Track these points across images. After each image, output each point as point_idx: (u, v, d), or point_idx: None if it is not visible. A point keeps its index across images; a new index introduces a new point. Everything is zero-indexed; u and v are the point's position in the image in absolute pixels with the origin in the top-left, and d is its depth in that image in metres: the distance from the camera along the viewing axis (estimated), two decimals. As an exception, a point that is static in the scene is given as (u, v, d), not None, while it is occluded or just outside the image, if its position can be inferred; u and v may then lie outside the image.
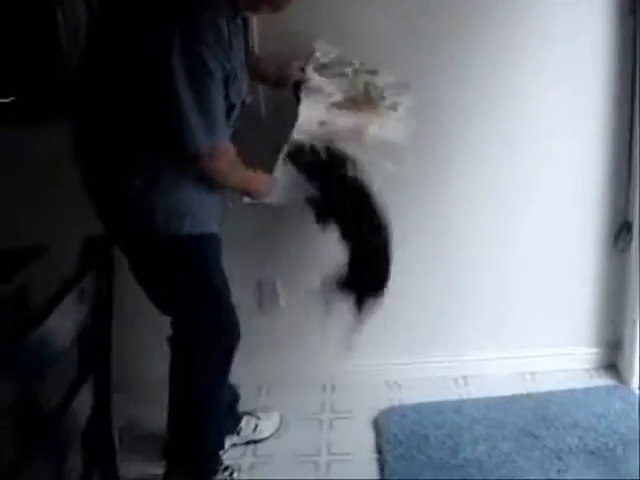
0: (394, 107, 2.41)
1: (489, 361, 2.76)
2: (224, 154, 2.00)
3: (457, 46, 2.54)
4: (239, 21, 2.07)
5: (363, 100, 2.41)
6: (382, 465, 2.39)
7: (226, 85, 1.95)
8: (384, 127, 2.36)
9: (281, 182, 2.20)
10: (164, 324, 2.21)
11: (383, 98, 2.42)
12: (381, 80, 2.43)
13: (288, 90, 2.43)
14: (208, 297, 2.18)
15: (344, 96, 2.41)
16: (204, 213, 2.10)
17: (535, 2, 2.51)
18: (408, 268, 2.70)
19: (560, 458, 2.34)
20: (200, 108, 1.87)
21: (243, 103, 2.12)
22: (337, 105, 2.39)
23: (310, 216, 2.61)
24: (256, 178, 2.14)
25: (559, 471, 2.28)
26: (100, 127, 2.02)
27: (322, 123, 2.33)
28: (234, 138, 2.08)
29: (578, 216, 2.75)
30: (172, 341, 2.22)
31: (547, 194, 2.71)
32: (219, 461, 2.34)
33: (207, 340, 2.19)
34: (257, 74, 2.37)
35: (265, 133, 2.49)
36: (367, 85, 2.42)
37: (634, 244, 2.67)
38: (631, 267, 2.70)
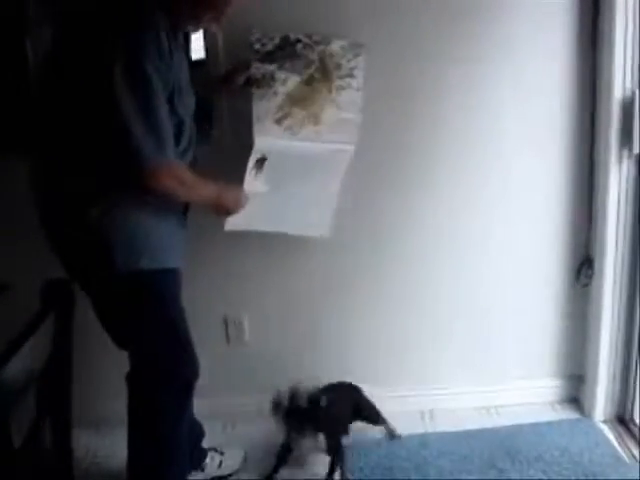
0: (351, 73, 2.41)
1: (455, 395, 2.77)
2: (170, 169, 1.94)
3: (429, 66, 2.57)
4: (180, 37, 2.05)
5: (319, 77, 2.40)
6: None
7: (171, 100, 1.93)
8: (339, 107, 2.40)
9: (255, 202, 2.21)
10: (125, 358, 2.18)
11: (339, 66, 2.40)
12: (335, 46, 2.41)
13: (236, 86, 2.39)
14: (166, 334, 2.14)
15: (300, 78, 2.39)
16: (163, 248, 2.07)
17: (503, 26, 2.56)
18: (376, 302, 2.73)
19: (524, 492, 2.35)
20: (146, 125, 1.84)
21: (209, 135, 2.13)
22: (291, 95, 2.38)
23: (276, 250, 2.66)
24: (219, 190, 2.12)
25: (523, 505, 2.29)
26: (53, 157, 2.00)
27: (278, 120, 2.36)
28: (194, 165, 2.09)
29: (541, 251, 2.78)
30: (130, 378, 2.18)
31: (511, 229, 2.75)
32: (182, 499, 2.30)
33: (163, 378, 2.15)
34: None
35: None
36: (321, 56, 2.40)
37: (596, 279, 2.71)
38: (593, 302, 2.75)
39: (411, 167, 2.66)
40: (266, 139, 2.33)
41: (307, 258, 2.72)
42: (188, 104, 2.06)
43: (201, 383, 2.25)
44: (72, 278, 1.96)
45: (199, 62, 2.48)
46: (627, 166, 2.53)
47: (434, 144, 2.64)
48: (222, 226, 2.51)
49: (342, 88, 2.41)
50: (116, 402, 2.22)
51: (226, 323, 2.83)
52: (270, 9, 2.43)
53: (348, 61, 2.40)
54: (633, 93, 2.45)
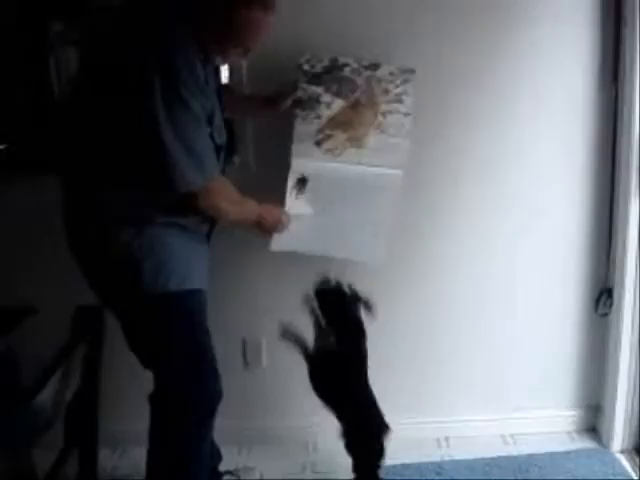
0: (399, 99, 2.39)
1: (471, 423, 2.77)
2: (219, 189, 2.03)
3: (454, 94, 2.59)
4: (212, 66, 2.09)
5: (365, 101, 2.39)
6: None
7: (210, 124, 1.99)
8: (384, 131, 2.39)
9: (300, 223, 2.27)
10: (149, 378, 2.17)
11: (386, 91, 2.39)
12: (383, 71, 2.39)
13: (281, 107, 2.39)
14: (192, 355, 2.15)
15: (345, 102, 2.38)
16: (190, 269, 2.10)
17: (528, 67, 2.58)
18: (394, 331, 2.72)
19: (541, 522, 2.34)
20: (187, 148, 1.89)
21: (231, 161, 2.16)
22: (335, 118, 2.38)
23: (296, 274, 2.66)
24: (259, 207, 2.18)
25: (540, 536, 2.28)
26: (85, 179, 2.03)
27: (319, 142, 2.37)
28: None
29: (561, 281, 2.79)
30: (153, 398, 2.18)
31: (531, 260, 2.75)
32: (199, 522, 2.30)
33: (188, 399, 2.16)
34: (240, 103, 2.44)
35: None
36: (369, 81, 2.39)
37: (615, 309, 2.71)
38: (612, 331, 2.74)
39: (429, 200, 2.68)
40: (304, 160, 2.36)
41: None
42: (221, 131, 2.10)
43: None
44: (100, 299, 1.99)
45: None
46: (647, 197, 2.54)
47: (454, 176, 2.65)
48: (241, 247, 2.55)
49: (389, 112, 2.39)
50: (135, 422, 2.23)
51: (244, 346, 2.84)
52: (319, 31, 2.46)
53: (396, 87, 2.39)
54: (654, 128, 2.46)
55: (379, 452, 2.39)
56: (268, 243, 2.33)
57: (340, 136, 2.39)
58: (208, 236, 2.24)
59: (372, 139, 2.40)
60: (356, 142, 2.39)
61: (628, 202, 2.55)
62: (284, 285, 2.72)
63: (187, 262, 2.09)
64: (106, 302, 2.04)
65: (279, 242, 2.31)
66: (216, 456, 2.51)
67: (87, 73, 2.04)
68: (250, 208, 2.17)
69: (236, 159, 2.53)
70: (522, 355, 2.82)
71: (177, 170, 1.90)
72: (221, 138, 2.10)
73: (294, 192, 2.34)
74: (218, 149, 2.07)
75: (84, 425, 1.31)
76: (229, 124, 2.30)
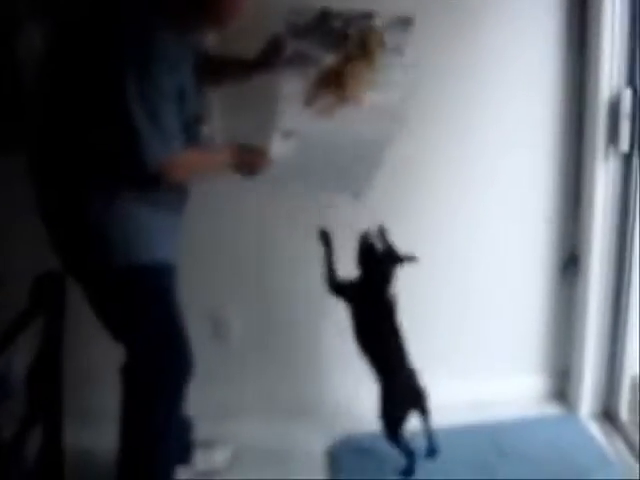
0: (399, 50, 2.16)
1: (440, 391, 2.77)
2: (183, 162, 2.02)
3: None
4: (187, 40, 2.06)
5: (359, 55, 2.17)
6: (336, 497, 2.39)
7: (182, 99, 1.97)
8: (381, 88, 2.17)
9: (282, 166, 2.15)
10: (119, 352, 2.17)
11: (383, 44, 2.17)
12: (379, 21, 2.17)
13: (272, 67, 2.22)
14: (163, 327, 2.15)
15: (337, 57, 2.18)
16: (161, 241, 2.09)
17: (489, 28, 2.57)
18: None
19: (512, 487, 2.37)
20: (153, 123, 1.88)
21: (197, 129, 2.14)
22: (326, 74, 2.18)
23: (266, 244, 2.66)
24: (229, 150, 2.14)
25: (511, 500, 2.31)
26: (54, 153, 2.01)
27: (308, 101, 2.18)
28: None
29: (528, 249, 2.81)
30: (125, 371, 2.18)
31: (497, 227, 2.76)
32: (171, 494, 2.31)
33: (160, 370, 2.16)
34: (226, 70, 2.35)
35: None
36: (362, 34, 2.18)
37: (581, 276, 2.73)
38: (579, 297, 2.77)
39: (401, 164, 2.66)
40: (294, 120, 2.19)
41: (299, 253, 2.71)
42: (196, 105, 2.09)
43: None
44: (68, 272, 1.97)
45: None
46: (613, 164, 2.56)
47: (423, 138, 2.63)
48: (209, 221, 2.53)
49: (385, 67, 2.17)
50: (106, 396, 2.22)
51: (214, 318, 2.83)
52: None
53: (393, 37, 2.17)
54: (620, 91, 2.47)
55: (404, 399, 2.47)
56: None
57: (332, 94, 2.20)
58: (180, 208, 2.22)
59: (370, 95, 2.18)
60: (352, 100, 2.19)
61: (595, 168, 2.56)
62: (255, 255, 2.72)
63: (157, 235, 2.08)
64: (75, 275, 2.03)
65: (264, 178, 2.16)
66: (188, 427, 2.51)
67: (56, 50, 2.01)
68: (219, 159, 2.15)
69: (205, 129, 2.48)
70: (490, 322, 2.84)
71: (142, 142, 1.88)
72: (196, 109, 2.09)
73: (278, 139, 2.18)
74: (193, 121, 2.06)
75: (47, 394, 1.30)
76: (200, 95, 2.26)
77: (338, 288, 2.45)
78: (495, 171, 2.70)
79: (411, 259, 2.36)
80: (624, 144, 2.49)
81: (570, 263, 2.79)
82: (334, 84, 2.19)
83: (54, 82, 1.98)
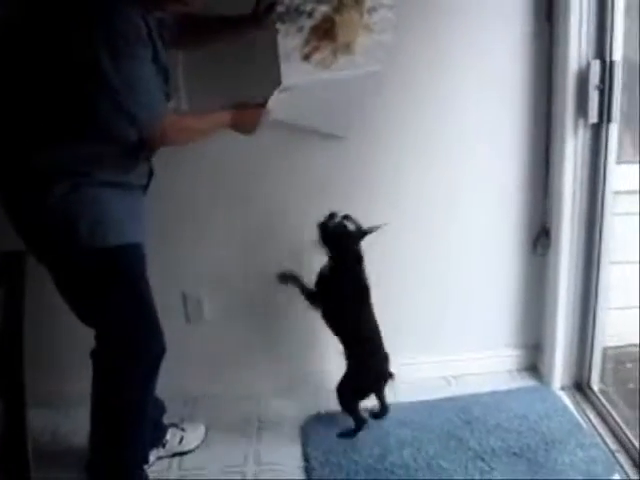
0: None
1: (413, 365, 2.79)
2: (173, 124, 1.99)
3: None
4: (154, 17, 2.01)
5: (348, 2, 2.23)
6: (309, 473, 2.38)
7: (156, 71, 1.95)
8: (373, 30, 2.27)
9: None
10: (87, 337, 2.14)
11: None
12: None
13: (262, 24, 2.22)
14: (134, 310, 2.13)
15: (328, 7, 2.22)
16: (129, 223, 2.06)
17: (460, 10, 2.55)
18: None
19: (483, 460, 2.38)
20: (138, 96, 1.87)
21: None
22: (320, 26, 2.22)
23: (238, 224, 2.63)
24: (229, 113, 2.11)
25: (482, 472, 2.32)
26: (18, 132, 1.96)
27: (307, 56, 2.23)
28: None
29: (499, 222, 2.81)
30: (95, 355, 2.16)
31: (467, 201, 2.76)
32: (143, 475, 2.30)
33: (132, 353, 2.14)
34: (203, 30, 2.31)
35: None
36: None
37: (552, 249, 2.74)
38: (549, 271, 2.78)
39: (374, 142, 2.65)
40: (295, 77, 2.23)
41: (272, 232, 2.71)
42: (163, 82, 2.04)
43: (161, 360, 2.24)
44: (34, 255, 1.93)
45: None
46: (582, 136, 2.55)
47: (398, 114, 2.63)
48: (180, 198, 2.52)
49: (374, 9, 2.26)
50: (77, 381, 2.19)
51: (185, 300, 2.81)
52: None
53: None
54: (588, 63, 2.46)
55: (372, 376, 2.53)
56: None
57: (328, 45, 2.26)
58: (145, 188, 2.20)
59: (361, 40, 2.27)
60: (345, 48, 2.27)
61: (564, 142, 2.56)
62: (225, 236, 2.70)
63: (124, 216, 2.05)
64: (41, 260, 2.00)
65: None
66: (160, 409, 2.50)
67: (17, 27, 1.94)
68: (215, 121, 2.12)
69: (170, 103, 2.44)
70: (461, 297, 2.85)
71: (131, 117, 1.89)
72: (167, 85, 2.05)
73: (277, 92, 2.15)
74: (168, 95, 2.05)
75: (8, 375, 1.27)
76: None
77: (314, 296, 2.48)
78: (465, 145, 2.69)
79: (376, 228, 2.37)
80: (593, 115, 2.49)
81: (541, 236, 2.79)
82: (328, 34, 2.23)
83: (16, 58, 1.92)
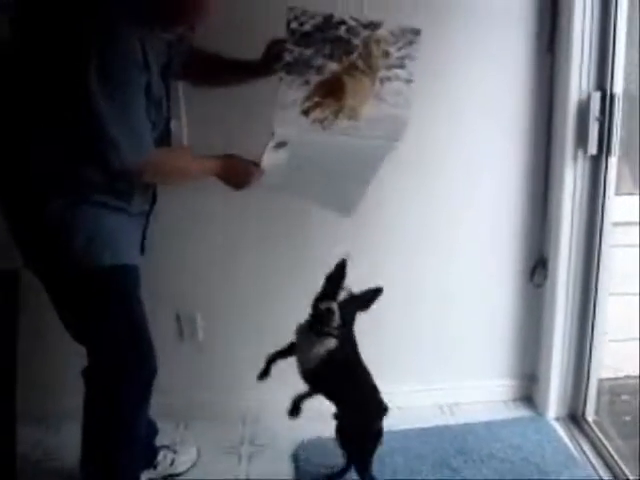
0: (401, 64, 2.09)
1: (408, 393, 2.78)
2: (159, 160, 1.98)
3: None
4: (156, 41, 1.98)
5: (362, 66, 2.08)
6: (301, 498, 2.37)
7: (147, 99, 1.91)
8: (383, 100, 2.11)
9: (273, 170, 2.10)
10: (80, 354, 2.13)
11: (387, 54, 2.08)
12: (384, 31, 2.07)
13: (269, 72, 2.15)
14: (125, 330, 2.11)
15: (339, 66, 2.07)
16: (124, 243, 2.05)
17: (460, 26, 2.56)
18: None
19: (476, 490, 2.37)
20: (123, 123, 1.84)
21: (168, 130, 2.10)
22: (326, 84, 2.08)
23: (233, 244, 2.63)
24: (221, 161, 2.07)
25: (475, 503, 2.31)
26: (16, 149, 1.96)
27: (306, 111, 2.09)
28: None
29: (496, 251, 2.81)
30: (87, 373, 2.15)
31: (465, 229, 2.76)
32: (134, 497, 2.27)
33: (122, 374, 2.12)
34: (212, 70, 2.28)
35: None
36: (367, 42, 2.07)
37: (549, 280, 2.74)
38: (546, 302, 2.78)
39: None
40: (288, 130, 2.09)
41: (266, 253, 2.71)
42: (160, 107, 2.03)
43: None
44: (29, 269, 1.93)
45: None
46: (582, 167, 2.56)
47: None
48: (175, 217, 2.50)
49: (388, 80, 2.10)
50: (68, 398, 2.18)
51: (179, 320, 2.80)
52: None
53: (398, 49, 2.09)
54: (589, 95, 2.48)
55: (377, 435, 2.32)
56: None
57: (331, 105, 2.11)
58: (148, 215, 2.20)
59: (368, 109, 2.12)
60: (349, 112, 2.12)
61: (563, 172, 2.57)
62: (219, 256, 2.69)
63: (120, 237, 2.04)
64: (36, 272, 2.01)
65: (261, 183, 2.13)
66: (152, 430, 2.49)
67: (19, 46, 1.93)
68: (202, 169, 2.08)
69: (172, 124, 2.41)
70: (458, 325, 2.84)
71: (114, 146, 1.84)
72: (158, 114, 2.02)
73: (271, 148, 2.10)
74: (152, 124, 1.98)
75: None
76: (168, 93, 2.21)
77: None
78: (464, 173, 2.70)
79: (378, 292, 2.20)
80: (592, 147, 2.50)
81: (538, 267, 2.79)
82: (333, 94, 2.11)
83: (16, 78, 1.92)
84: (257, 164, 2.09)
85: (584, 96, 2.49)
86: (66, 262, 1.98)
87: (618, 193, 2.68)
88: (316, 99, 2.10)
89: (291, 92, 2.07)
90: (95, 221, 1.97)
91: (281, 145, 2.11)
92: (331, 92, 2.10)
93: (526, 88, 2.63)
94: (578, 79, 2.48)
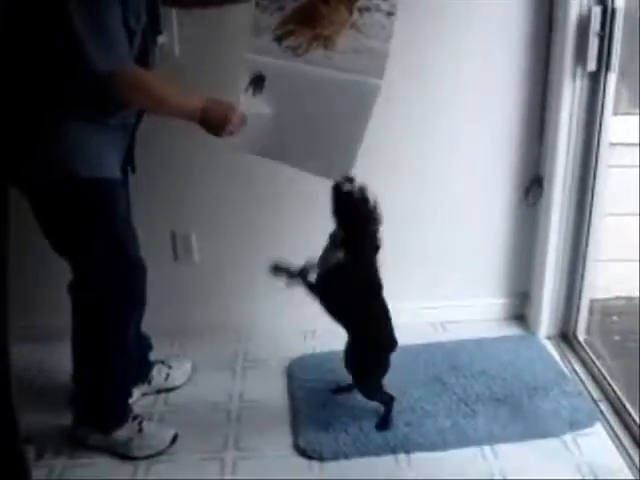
0: None
1: (401, 311, 2.78)
2: (132, 76, 1.90)
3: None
4: None
5: None
6: (294, 411, 2.41)
7: (123, 3, 1.84)
8: (361, 32, 2.02)
9: (260, 125, 2.05)
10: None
11: None
12: None
13: None
14: (107, 244, 2.09)
15: None
16: (106, 157, 2.03)
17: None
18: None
19: (467, 404, 2.40)
20: (96, 30, 1.79)
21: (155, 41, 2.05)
22: (301, 10, 2.02)
23: (227, 165, 2.60)
24: (201, 101, 1.98)
25: (465, 416, 2.35)
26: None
27: (279, 38, 2.03)
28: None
29: (491, 170, 2.79)
30: (72, 289, 2.15)
31: (461, 147, 2.74)
32: (127, 410, 2.30)
33: (105, 289, 2.12)
34: None
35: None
36: None
37: (544, 198, 2.73)
38: (540, 221, 2.77)
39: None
40: (261, 57, 2.05)
41: (261, 172, 2.65)
42: (139, 14, 1.94)
43: (148, 298, 2.24)
44: (13, 183, 1.91)
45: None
46: (580, 84, 2.52)
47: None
48: (171, 136, 2.45)
49: (367, 9, 2.02)
50: (62, 314, 2.18)
51: (174, 239, 2.80)
52: None
53: None
54: (590, 9, 2.42)
55: (384, 366, 2.30)
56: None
57: (306, 32, 2.04)
58: (134, 127, 2.15)
59: (345, 39, 2.03)
60: (324, 41, 2.05)
61: (561, 89, 2.52)
62: (214, 177, 2.67)
63: (102, 151, 2.01)
64: (24, 190, 1.98)
65: (235, 144, 2.08)
66: (146, 345, 2.51)
67: None
68: (182, 103, 2.00)
69: (161, 38, 2.36)
70: (452, 244, 2.84)
71: (84, 50, 1.79)
72: (138, 23, 1.94)
73: (250, 90, 2.07)
74: (133, 33, 1.92)
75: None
76: (154, 4, 2.15)
77: (316, 289, 2.20)
78: (462, 92, 2.66)
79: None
80: (592, 63, 2.45)
81: (534, 185, 2.77)
82: (308, 22, 2.04)
83: None
84: (235, 109, 2.01)
85: (585, 10, 2.43)
86: (48, 173, 1.96)
87: (615, 113, 2.65)
88: (290, 26, 2.04)
89: (265, 17, 2.02)
90: (75, 134, 1.94)
91: (258, 83, 2.06)
92: (306, 19, 2.04)
93: (526, 2, 2.56)
94: (579, -7, 2.43)
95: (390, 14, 2.01)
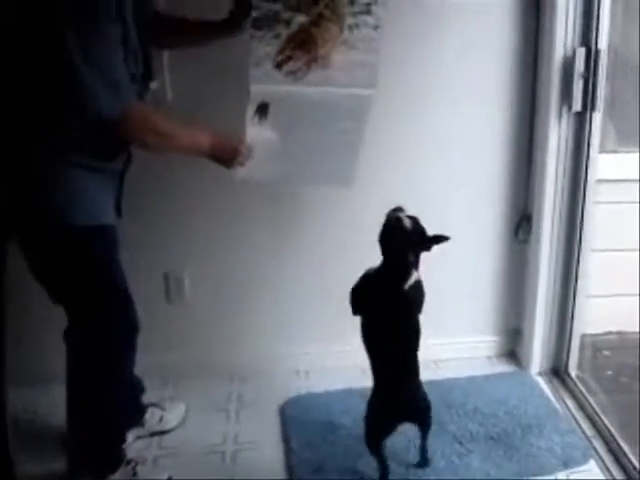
0: (368, 9, 2.11)
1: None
2: (140, 117, 1.92)
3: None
4: None
5: (329, 15, 2.11)
6: (288, 453, 2.40)
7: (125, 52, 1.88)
8: (353, 47, 2.12)
9: (266, 152, 2.10)
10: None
11: (352, 3, 2.10)
12: None
13: (237, 30, 2.16)
14: (101, 290, 2.10)
15: (306, 18, 2.10)
16: (101, 204, 2.04)
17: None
18: (322, 263, 2.71)
19: (461, 443, 2.40)
20: (101, 72, 1.80)
21: (147, 87, 2.08)
22: (296, 36, 2.10)
23: (220, 206, 2.61)
24: (210, 137, 2.03)
25: (460, 455, 2.35)
26: None
27: (279, 65, 2.11)
28: None
29: (481, 208, 2.82)
30: (67, 335, 2.15)
31: (450, 185, 2.76)
32: (121, 455, 2.28)
33: (100, 334, 2.12)
34: (177, 31, 2.26)
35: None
36: None
37: (534, 235, 2.76)
38: (530, 257, 2.80)
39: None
40: (264, 86, 2.11)
41: (254, 217, 2.71)
42: (136, 59, 1.99)
43: (141, 340, 2.23)
44: (10, 227, 1.92)
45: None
46: (566, 124, 2.56)
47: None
48: (161, 178, 2.47)
49: (356, 26, 2.12)
50: (55, 359, 2.18)
51: (167, 280, 2.80)
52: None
53: None
54: (574, 51, 2.47)
55: (385, 429, 2.21)
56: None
57: (303, 56, 2.13)
58: (122, 174, 2.16)
59: (338, 57, 2.14)
60: (321, 61, 2.15)
61: (548, 129, 2.57)
62: (209, 217, 2.69)
63: (97, 198, 2.02)
64: (17, 238, 1.99)
65: (243, 172, 2.13)
66: (139, 388, 2.50)
67: None
68: (192, 141, 2.04)
69: (153, 84, 2.40)
70: (443, 281, 2.83)
71: (90, 95, 1.80)
72: (136, 66, 1.99)
73: (255, 119, 2.12)
74: (132, 77, 1.95)
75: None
76: (146, 50, 2.19)
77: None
78: (449, 130, 2.69)
79: (444, 239, 2.22)
80: (577, 103, 2.50)
81: (523, 222, 2.80)
82: (304, 45, 2.13)
83: None
84: (242, 142, 2.07)
85: (569, 52, 2.49)
86: (44, 221, 1.97)
87: (602, 150, 2.69)
88: (287, 52, 2.11)
89: (262, 47, 2.09)
90: (73, 182, 1.95)
91: (263, 110, 2.11)
92: (301, 44, 2.12)
93: (511, 43, 2.62)
94: (563, 35, 2.48)
95: (376, 27, 2.13)
